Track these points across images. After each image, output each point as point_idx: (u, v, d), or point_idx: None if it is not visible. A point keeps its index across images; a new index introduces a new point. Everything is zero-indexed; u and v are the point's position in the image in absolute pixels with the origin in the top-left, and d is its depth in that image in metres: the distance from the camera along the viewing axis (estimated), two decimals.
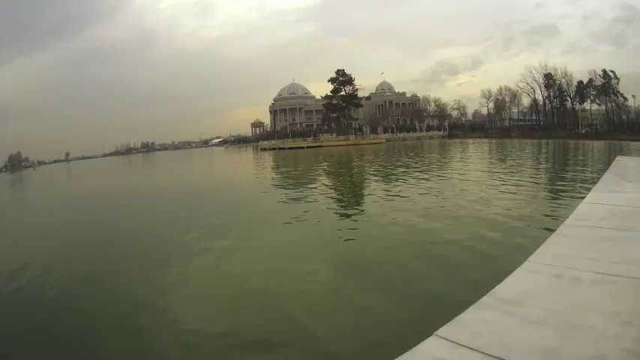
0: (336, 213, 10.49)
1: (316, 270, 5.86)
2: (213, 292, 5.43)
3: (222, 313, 4.73)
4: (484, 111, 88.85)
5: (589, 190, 6.83)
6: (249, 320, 4.44)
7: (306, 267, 5.99)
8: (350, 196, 13.84)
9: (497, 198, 10.60)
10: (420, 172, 18.74)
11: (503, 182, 13.69)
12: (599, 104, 67.11)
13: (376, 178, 17.64)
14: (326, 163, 30.52)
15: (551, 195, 10.84)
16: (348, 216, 9.92)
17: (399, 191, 12.96)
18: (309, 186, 16.73)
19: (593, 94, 66.35)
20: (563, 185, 12.38)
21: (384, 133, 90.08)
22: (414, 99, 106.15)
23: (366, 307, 4.53)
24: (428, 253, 6.26)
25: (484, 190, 12.14)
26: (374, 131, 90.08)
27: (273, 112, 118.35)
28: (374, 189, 14.46)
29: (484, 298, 2.74)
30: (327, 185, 16.92)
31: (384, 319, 4.21)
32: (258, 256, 6.81)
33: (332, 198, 13.33)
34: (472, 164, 22.59)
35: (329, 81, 78.84)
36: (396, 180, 16.22)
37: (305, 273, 5.74)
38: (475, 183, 13.63)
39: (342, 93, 78.64)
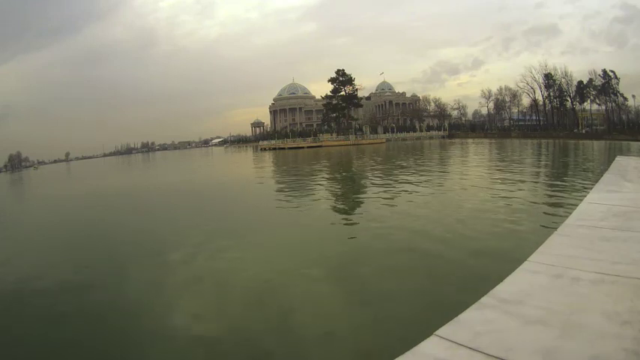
0: (336, 218, 10.47)
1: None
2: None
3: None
4: (484, 111, 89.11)
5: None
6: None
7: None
8: (350, 200, 13.81)
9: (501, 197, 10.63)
10: (420, 176, 18.71)
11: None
12: (599, 104, 67.19)
13: (377, 183, 17.57)
14: (325, 165, 30.48)
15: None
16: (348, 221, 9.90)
17: (399, 196, 12.93)
18: (309, 190, 16.72)
19: (593, 94, 66.38)
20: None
21: (384, 133, 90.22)
22: (414, 99, 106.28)
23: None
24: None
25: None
26: (374, 131, 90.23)
27: (273, 112, 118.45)
28: (374, 192, 14.44)
29: (484, 298, 2.73)
30: (327, 189, 16.89)
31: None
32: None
33: (332, 202, 13.31)
34: (476, 166, 22.54)
35: (329, 81, 78.99)
36: (397, 182, 16.21)
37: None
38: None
39: (342, 93, 78.70)
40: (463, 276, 5.11)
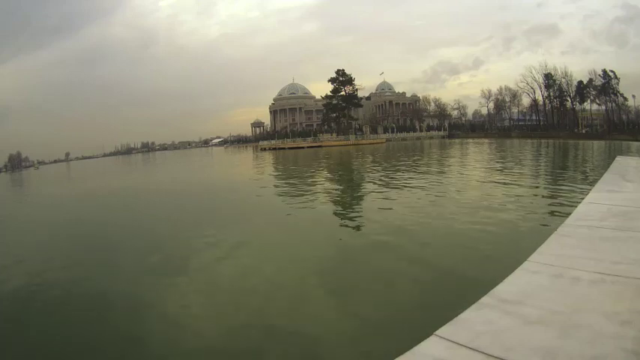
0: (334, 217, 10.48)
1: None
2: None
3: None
4: (484, 111, 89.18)
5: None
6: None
7: None
8: (350, 202, 13.81)
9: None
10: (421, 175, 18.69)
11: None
12: (599, 104, 67.27)
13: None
14: (325, 165, 30.46)
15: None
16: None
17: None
18: (308, 190, 16.72)
19: (593, 94, 66.45)
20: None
21: (384, 133, 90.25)
22: (414, 99, 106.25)
23: None
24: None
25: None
26: (374, 131, 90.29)
27: (273, 112, 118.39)
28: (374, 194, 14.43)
29: (484, 298, 2.74)
30: (326, 190, 16.87)
31: None
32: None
33: (332, 203, 13.30)
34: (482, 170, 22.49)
35: (329, 81, 79.08)
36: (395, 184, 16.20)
37: None
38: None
39: (342, 93, 78.76)
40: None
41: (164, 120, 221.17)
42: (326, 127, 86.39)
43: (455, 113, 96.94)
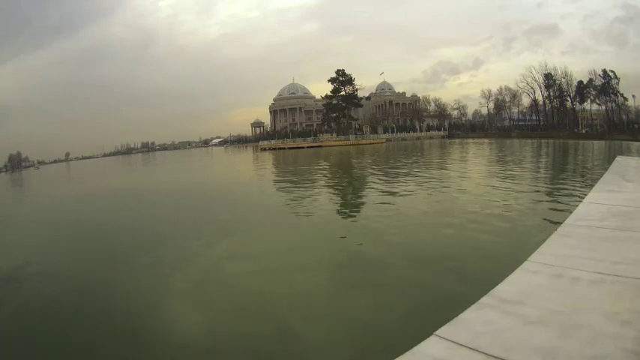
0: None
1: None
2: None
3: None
4: (484, 111, 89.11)
5: None
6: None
7: None
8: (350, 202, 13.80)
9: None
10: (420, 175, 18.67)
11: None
12: (599, 104, 67.21)
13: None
14: (325, 165, 30.45)
15: None
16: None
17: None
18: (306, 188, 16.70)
19: (593, 94, 66.40)
20: None
21: (384, 133, 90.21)
22: (414, 99, 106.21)
23: None
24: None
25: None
26: (374, 131, 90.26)
27: (273, 112, 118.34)
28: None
29: (484, 298, 2.74)
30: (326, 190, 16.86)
31: None
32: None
33: (334, 204, 13.30)
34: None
35: (329, 81, 79.06)
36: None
37: None
38: None
39: (342, 93, 78.75)
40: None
41: (164, 120, 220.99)
42: (326, 127, 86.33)
43: (455, 113, 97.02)
